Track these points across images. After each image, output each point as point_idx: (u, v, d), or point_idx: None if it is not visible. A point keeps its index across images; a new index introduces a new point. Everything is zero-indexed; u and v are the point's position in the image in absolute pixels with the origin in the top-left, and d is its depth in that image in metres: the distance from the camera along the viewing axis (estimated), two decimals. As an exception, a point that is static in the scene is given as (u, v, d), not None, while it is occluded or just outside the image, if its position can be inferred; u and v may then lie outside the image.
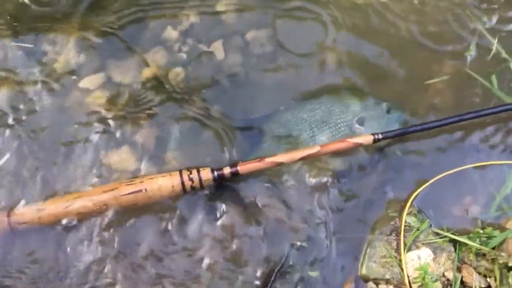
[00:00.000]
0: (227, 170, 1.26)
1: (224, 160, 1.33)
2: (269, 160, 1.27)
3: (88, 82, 1.44)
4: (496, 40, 1.47)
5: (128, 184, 1.22)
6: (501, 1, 1.54)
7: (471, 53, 1.47)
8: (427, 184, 1.29)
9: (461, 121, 1.32)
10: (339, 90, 1.43)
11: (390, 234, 1.26)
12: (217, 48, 1.50)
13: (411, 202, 1.28)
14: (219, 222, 1.27)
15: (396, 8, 1.54)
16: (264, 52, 1.49)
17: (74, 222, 1.23)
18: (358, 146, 1.29)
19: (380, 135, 1.29)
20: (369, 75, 1.45)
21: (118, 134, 1.37)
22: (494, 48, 1.46)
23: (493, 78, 1.43)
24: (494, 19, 1.52)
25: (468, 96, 1.43)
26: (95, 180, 1.30)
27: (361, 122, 1.38)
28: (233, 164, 1.27)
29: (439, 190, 1.31)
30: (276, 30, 1.51)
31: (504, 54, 1.46)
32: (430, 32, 1.51)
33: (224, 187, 1.30)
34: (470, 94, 1.43)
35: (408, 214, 1.27)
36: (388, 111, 1.40)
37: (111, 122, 1.38)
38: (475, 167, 1.33)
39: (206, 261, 1.24)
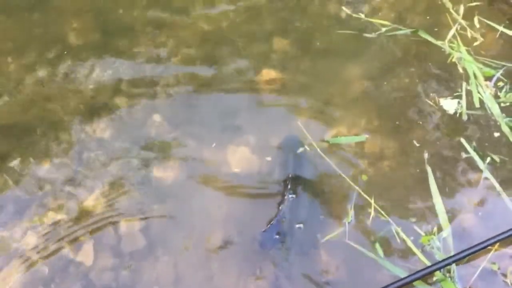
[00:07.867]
0: None
1: None
2: None
3: None
4: (373, 199, 1.32)
5: None
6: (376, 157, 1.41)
7: (350, 219, 1.30)
8: None
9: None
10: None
11: None
12: (86, 253, 1.36)
13: None
14: None
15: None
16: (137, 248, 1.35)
17: None
18: None
19: None
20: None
21: None
22: (372, 210, 1.30)
23: (377, 246, 1.26)
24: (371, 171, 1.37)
25: (354, 271, 1.25)
26: None
27: None
28: None
29: None
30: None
31: (384, 217, 1.29)
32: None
33: None
34: (356, 268, 1.26)
35: None
36: None
37: None
38: None
39: None
